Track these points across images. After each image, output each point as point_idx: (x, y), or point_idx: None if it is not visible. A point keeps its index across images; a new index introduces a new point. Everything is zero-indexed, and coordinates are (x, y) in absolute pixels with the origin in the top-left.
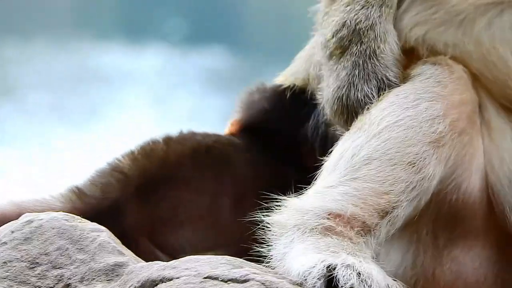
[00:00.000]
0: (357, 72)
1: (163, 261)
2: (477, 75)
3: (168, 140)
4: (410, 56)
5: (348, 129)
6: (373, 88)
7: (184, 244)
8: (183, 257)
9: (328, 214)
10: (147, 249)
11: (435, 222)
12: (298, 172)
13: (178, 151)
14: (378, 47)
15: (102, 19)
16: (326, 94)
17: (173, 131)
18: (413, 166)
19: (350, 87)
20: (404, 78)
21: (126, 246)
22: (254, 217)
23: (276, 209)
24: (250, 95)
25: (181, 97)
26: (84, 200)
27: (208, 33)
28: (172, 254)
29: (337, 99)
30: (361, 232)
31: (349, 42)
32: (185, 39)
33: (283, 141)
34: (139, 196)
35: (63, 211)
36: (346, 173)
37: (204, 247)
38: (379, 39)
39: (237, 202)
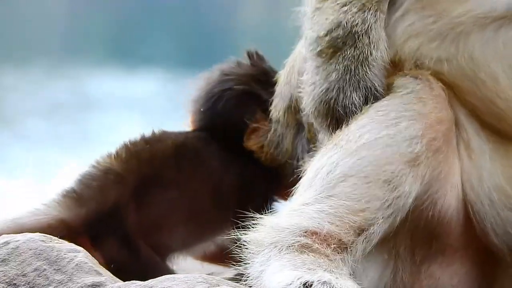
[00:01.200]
0: (348, 77)
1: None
2: (459, 92)
3: (148, 140)
4: (395, 66)
5: (327, 131)
6: (361, 97)
7: (174, 243)
8: (175, 255)
9: (305, 232)
10: (147, 253)
11: (412, 238)
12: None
13: (161, 150)
14: (371, 54)
15: (95, 45)
16: (311, 92)
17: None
18: (389, 184)
19: (339, 92)
20: (385, 88)
21: (130, 250)
22: (231, 235)
23: (253, 226)
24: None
25: (176, 121)
26: (83, 204)
27: (201, 57)
28: (164, 255)
29: (324, 102)
30: (338, 249)
31: (343, 44)
32: (177, 64)
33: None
34: (137, 198)
35: (64, 219)
36: (322, 190)
37: (191, 243)
38: (372, 45)
39: (215, 194)
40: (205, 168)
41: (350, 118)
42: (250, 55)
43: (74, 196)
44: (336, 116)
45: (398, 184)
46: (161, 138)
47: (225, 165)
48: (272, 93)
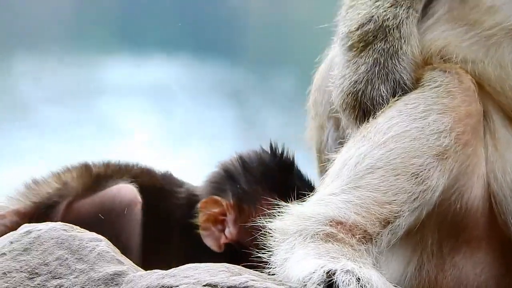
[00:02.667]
0: (377, 69)
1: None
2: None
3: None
4: (424, 62)
5: (354, 124)
6: (389, 90)
7: None
8: None
9: (330, 221)
10: None
11: (439, 231)
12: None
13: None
14: (401, 48)
15: (106, 31)
16: (340, 85)
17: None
18: (417, 177)
19: (368, 84)
20: (414, 82)
21: None
22: (257, 223)
23: (279, 215)
24: None
25: (186, 108)
26: (35, 199)
27: (210, 44)
28: None
29: (352, 94)
30: (362, 240)
31: (374, 38)
32: (187, 51)
33: None
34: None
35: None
36: (349, 181)
37: None
38: (403, 40)
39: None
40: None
41: (377, 110)
42: (271, 147)
43: (30, 191)
44: (363, 108)
45: (426, 178)
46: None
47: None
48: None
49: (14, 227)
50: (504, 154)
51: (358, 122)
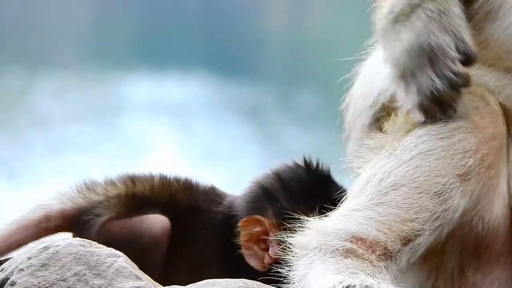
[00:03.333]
0: (432, 22)
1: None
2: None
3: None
4: None
5: (410, 90)
6: (451, 41)
7: None
8: None
9: (351, 237)
10: None
11: (461, 253)
12: None
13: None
14: (449, 7)
15: (125, 49)
16: (392, 54)
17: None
18: (439, 197)
19: (429, 34)
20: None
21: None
22: (278, 238)
23: (299, 230)
24: None
25: (206, 125)
26: (80, 200)
27: (231, 62)
28: None
29: (417, 45)
30: (382, 256)
31: (421, 0)
32: (207, 68)
33: None
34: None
35: (63, 210)
36: (372, 197)
37: None
38: (450, 2)
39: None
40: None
41: (447, 64)
42: (305, 161)
43: (78, 193)
44: (430, 55)
45: (448, 198)
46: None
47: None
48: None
49: (58, 230)
50: None
51: (425, 83)
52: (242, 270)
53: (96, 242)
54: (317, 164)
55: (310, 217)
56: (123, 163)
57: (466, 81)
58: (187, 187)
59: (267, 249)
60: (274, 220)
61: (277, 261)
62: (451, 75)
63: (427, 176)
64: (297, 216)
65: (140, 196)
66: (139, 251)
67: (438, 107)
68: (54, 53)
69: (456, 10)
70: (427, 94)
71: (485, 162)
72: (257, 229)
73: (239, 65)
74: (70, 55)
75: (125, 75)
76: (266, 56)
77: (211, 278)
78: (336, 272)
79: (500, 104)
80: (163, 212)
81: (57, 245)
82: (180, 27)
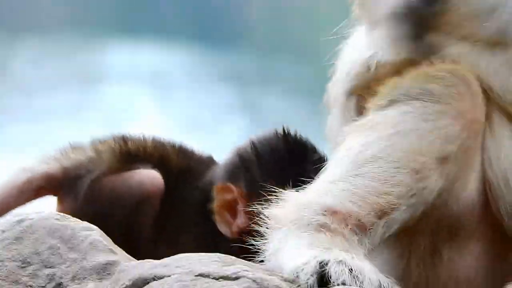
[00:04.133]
0: None
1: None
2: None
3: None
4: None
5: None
6: None
7: None
8: None
9: (325, 210)
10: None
11: (436, 234)
12: None
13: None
14: None
15: (106, 17)
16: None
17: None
18: (417, 174)
19: None
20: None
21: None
22: (252, 209)
23: (274, 202)
24: None
25: (186, 93)
26: (66, 163)
27: (213, 31)
28: None
29: None
30: (356, 230)
31: None
32: (189, 37)
33: None
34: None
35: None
36: (349, 169)
37: None
38: None
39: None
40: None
41: None
42: (277, 131)
43: (63, 155)
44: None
45: (425, 177)
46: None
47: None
48: (268, 171)
49: (42, 193)
50: (500, 141)
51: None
52: (218, 237)
53: (70, 216)
54: (295, 135)
55: (285, 189)
56: (104, 131)
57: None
58: (181, 151)
59: (234, 218)
60: (245, 190)
61: (250, 232)
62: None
63: (406, 152)
64: (272, 188)
65: (133, 152)
66: (132, 205)
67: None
68: (35, 20)
69: None
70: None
71: (464, 146)
72: (229, 197)
73: (221, 33)
74: (52, 22)
75: (107, 42)
76: (249, 25)
77: (195, 243)
78: (310, 247)
79: (480, 81)
80: (155, 169)
81: (31, 218)
82: None
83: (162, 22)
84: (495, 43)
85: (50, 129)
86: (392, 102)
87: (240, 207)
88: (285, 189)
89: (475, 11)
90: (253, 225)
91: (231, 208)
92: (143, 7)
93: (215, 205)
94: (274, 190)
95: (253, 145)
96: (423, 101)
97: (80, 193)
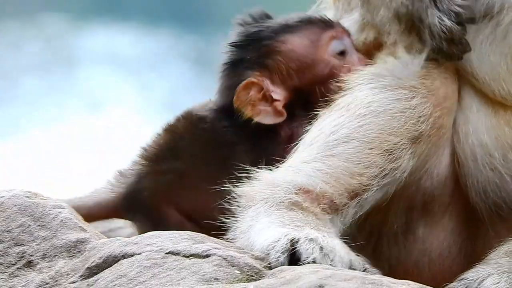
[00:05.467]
0: None
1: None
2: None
3: (178, 117)
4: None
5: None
6: None
7: (197, 208)
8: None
9: (298, 189)
10: (176, 219)
11: (409, 212)
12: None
13: (182, 126)
14: None
15: (79, 1)
16: (392, 5)
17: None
18: (390, 154)
19: None
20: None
21: (157, 220)
22: (224, 187)
23: (247, 180)
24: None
25: (155, 76)
26: (122, 182)
27: (185, 14)
28: (195, 220)
29: None
30: (328, 209)
31: None
32: (156, 19)
33: None
34: (153, 169)
35: (109, 200)
36: (322, 149)
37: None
38: None
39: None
40: (218, 141)
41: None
42: (241, 20)
43: (115, 182)
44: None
45: (398, 157)
46: (185, 115)
47: (235, 139)
48: (256, 45)
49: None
50: (468, 115)
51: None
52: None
53: (41, 194)
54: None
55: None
56: (81, 115)
57: (471, 12)
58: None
59: (272, 101)
60: (257, 73)
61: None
62: (457, 8)
63: (380, 133)
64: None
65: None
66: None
67: (454, 45)
68: (14, 5)
69: None
70: (441, 35)
71: (437, 124)
72: (251, 92)
73: (195, 18)
74: (31, 7)
75: (85, 27)
76: (221, 9)
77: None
78: (281, 225)
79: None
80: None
81: (2, 196)
82: None
83: (138, 7)
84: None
85: (30, 112)
86: (364, 82)
87: (266, 85)
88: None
89: None
90: (292, 85)
91: (260, 98)
92: None
93: (248, 110)
94: (246, 168)
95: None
96: (396, 80)
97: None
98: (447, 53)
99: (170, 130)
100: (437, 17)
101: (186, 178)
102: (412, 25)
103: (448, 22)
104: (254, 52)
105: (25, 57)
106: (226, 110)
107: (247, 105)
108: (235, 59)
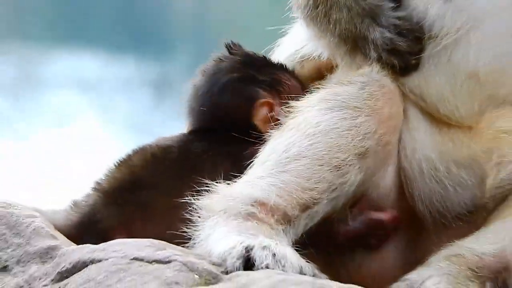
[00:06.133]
0: None
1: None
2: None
3: (133, 152)
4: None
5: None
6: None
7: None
8: None
9: (254, 202)
10: None
11: None
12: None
13: (141, 158)
14: None
15: (41, 27)
16: (337, 27)
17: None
18: (338, 170)
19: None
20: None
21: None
22: (186, 200)
23: (207, 194)
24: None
25: (119, 99)
26: (76, 212)
27: (138, 39)
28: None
29: (355, 13)
30: (281, 221)
31: None
32: (118, 46)
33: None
34: (108, 201)
35: (69, 225)
36: (276, 166)
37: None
38: None
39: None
40: (190, 167)
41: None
42: (227, 46)
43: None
44: (370, 16)
45: (346, 172)
46: (145, 148)
47: (213, 162)
48: (265, 71)
49: None
50: (415, 134)
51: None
52: None
53: (16, 204)
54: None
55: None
56: (48, 133)
57: (410, 24)
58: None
59: (275, 121)
60: (267, 93)
61: (185, 222)
62: (397, 21)
63: (329, 150)
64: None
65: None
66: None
67: (398, 56)
68: None
69: None
70: (384, 47)
71: (383, 141)
72: (265, 110)
73: (155, 46)
74: (2, 32)
75: (53, 53)
76: (178, 37)
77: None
78: (237, 234)
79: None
80: None
81: None
82: (99, 7)
83: (104, 36)
84: None
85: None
86: (312, 105)
87: (276, 111)
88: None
89: None
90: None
91: (271, 117)
92: (85, 21)
93: (264, 127)
94: (207, 184)
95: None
96: (341, 102)
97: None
98: (393, 64)
99: (127, 164)
100: (379, 32)
101: (149, 209)
102: (357, 45)
103: (388, 35)
104: (267, 76)
105: None
106: (219, 124)
107: (263, 121)
108: (245, 77)
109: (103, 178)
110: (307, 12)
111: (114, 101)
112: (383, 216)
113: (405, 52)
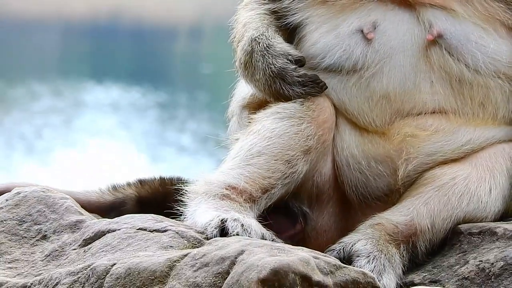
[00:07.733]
0: (266, 57)
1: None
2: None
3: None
4: None
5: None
6: (283, 60)
7: None
8: None
9: (227, 186)
10: None
11: (307, 202)
12: None
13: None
14: (270, 42)
15: (80, 67)
16: (259, 85)
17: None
18: (289, 163)
19: (269, 65)
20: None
21: None
22: (178, 187)
23: (193, 181)
24: None
25: (135, 117)
26: (113, 194)
27: (147, 74)
28: None
29: (269, 77)
30: (248, 200)
31: (251, 47)
32: (132, 79)
33: None
34: (138, 202)
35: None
36: (243, 160)
37: None
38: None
39: None
40: None
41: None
42: None
43: (105, 191)
44: (280, 77)
45: (295, 164)
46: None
47: None
48: None
49: None
50: (343, 136)
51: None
52: None
53: (53, 189)
54: None
55: None
56: (89, 143)
57: (309, 76)
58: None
59: None
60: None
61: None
62: (299, 78)
63: (281, 149)
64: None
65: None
66: None
67: (312, 88)
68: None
69: (276, 39)
70: (299, 95)
71: (321, 140)
72: None
73: (154, 77)
74: (43, 72)
75: (86, 84)
76: (177, 72)
77: None
78: (214, 210)
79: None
80: None
81: (25, 191)
82: (121, 52)
83: (121, 70)
84: (330, 72)
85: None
86: (267, 116)
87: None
88: None
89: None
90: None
91: None
92: (111, 61)
93: None
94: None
95: None
96: (289, 113)
97: None
98: (309, 93)
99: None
100: (289, 88)
101: None
102: (278, 93)
103: (297, 89)
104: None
105: (41, 108)
106: None
107: None
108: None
109: (144, 180)
110: (241, 72)
111: (130, 118)
112: (292, 232)
113: (315, 92)
